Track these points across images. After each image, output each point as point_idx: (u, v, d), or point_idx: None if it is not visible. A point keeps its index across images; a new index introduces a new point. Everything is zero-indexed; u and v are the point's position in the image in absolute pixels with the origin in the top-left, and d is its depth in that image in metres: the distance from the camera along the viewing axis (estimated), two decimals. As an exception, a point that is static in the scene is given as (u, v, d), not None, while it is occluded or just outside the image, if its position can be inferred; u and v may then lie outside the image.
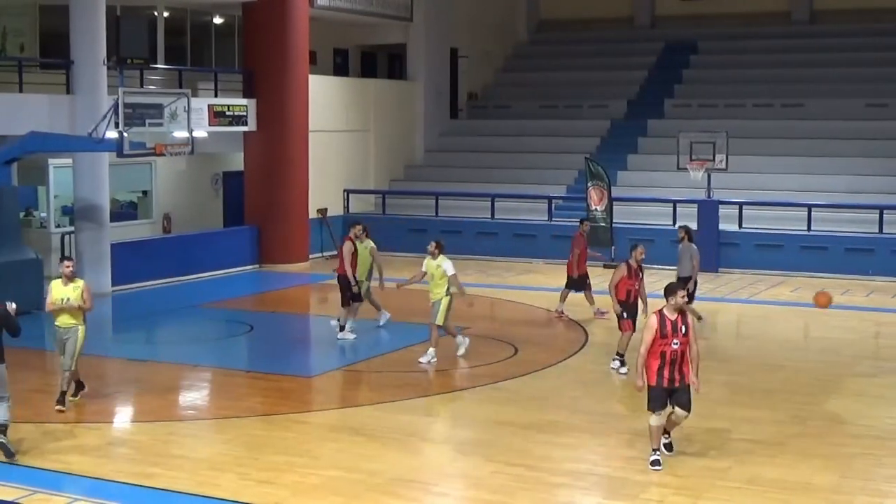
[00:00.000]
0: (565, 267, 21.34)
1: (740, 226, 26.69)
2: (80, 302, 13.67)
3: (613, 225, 26.24)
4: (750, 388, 15.31)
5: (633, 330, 15.88)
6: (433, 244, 16.65)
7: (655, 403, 11.56)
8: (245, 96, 26.96)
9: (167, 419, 13.93)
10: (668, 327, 11.34)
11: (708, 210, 26.35)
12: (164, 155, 22.04)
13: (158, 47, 26.83)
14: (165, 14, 27.46)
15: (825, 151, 29.38)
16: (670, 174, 27.83)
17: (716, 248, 26.10)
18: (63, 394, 13.92)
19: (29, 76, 23.02)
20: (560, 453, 12.34)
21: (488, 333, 19.17)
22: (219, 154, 28.42)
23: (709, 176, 26.39)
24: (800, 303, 22.39)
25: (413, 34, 33.25)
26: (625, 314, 16.11)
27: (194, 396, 15.61)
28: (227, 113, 26.21)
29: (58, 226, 24.87)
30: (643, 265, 16.42)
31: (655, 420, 11.59)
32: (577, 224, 21.98)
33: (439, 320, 16.54)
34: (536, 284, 24.62)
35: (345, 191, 30.40)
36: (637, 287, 16.14)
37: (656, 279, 19.65)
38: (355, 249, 18.27)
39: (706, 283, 23.10)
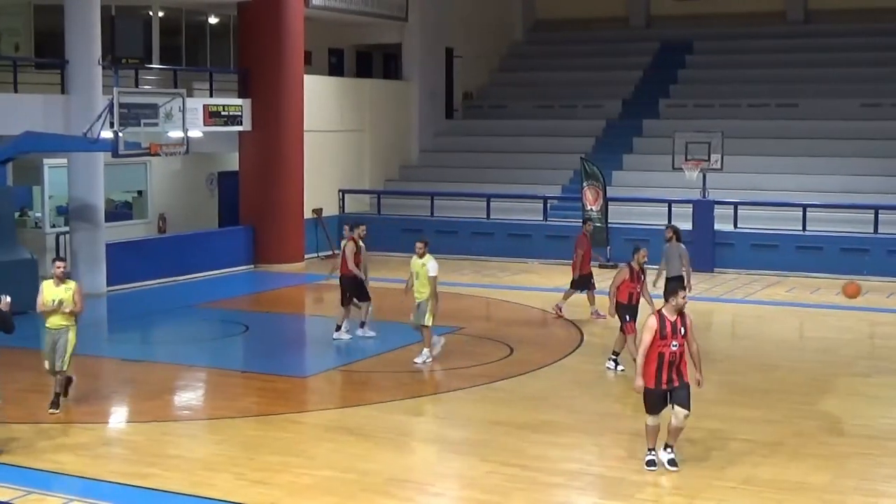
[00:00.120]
0: (568, 267, 21.27)
1: (735, 226, 26.69)
2: (72, 304, 13.60)
3: (609, 225, 26.26)
4: (745, 388, 15.31)
5: (636, 333, 15.77)
6: (420, 243, 16.61)
7: (653, 407, 11.54)
8: (240, 96, 26.94)
9: (162, 419, 13.91)
10: (668, 328, 11.30)
11: (703, 210, 26.35)
12: (159, 155, 22.06)
13: (153, 47, 26.79)
14: (160, 14, 27.43)
15: (820, 151, 29.40)
16: (665, 174, 27.83)
17: (711, 248, 26.11)
18: (57, 396, 13.88)
19: (24, 76, 22.99)
20: (555, 453, 12.33)
21: (483, 333, 19.17)
22: (214, 154, 28.38)
23: (704, 176, 26.39)
24: (795, 303, 22.42)
25: (408, 34, 33.22)
26: (627, 317, 16.04)
27: (189, 397, 15.60)
28: (222, 113, 26.19)
29: (53, 226, 24.83)
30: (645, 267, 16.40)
31: (652, 420, 11.58)
32: (576, 224, 21.96)
33: (427, 321, 16.53)
34: (531, 284, 24.62)
35: (340, 191, 30.38)
36: (639, 290, 16.10)
37: (652, 279, 19.62)
38: (358, 249, 18.20)
39: (701, 283, 23.10)
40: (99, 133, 20.85)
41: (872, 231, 25.69)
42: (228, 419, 13.84)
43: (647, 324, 11.52)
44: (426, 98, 33.65)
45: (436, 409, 14.74)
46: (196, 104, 24.90)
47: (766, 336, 19.59)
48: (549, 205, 28.99)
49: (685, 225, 26.19)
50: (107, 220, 23.59)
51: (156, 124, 21.30)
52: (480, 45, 36.48)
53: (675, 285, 11.78)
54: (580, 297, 20.82)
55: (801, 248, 25.86)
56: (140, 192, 27.73)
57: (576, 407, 14.45)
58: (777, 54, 33.87)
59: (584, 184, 26.51)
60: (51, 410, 13.76)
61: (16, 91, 22.27)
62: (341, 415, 14.19)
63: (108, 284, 23.12)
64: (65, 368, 13.79)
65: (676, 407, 11.48)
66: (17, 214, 23.33)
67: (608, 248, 25.54)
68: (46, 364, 13.79)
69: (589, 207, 26.17)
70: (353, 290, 18.27)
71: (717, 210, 26.43)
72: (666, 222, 26.07)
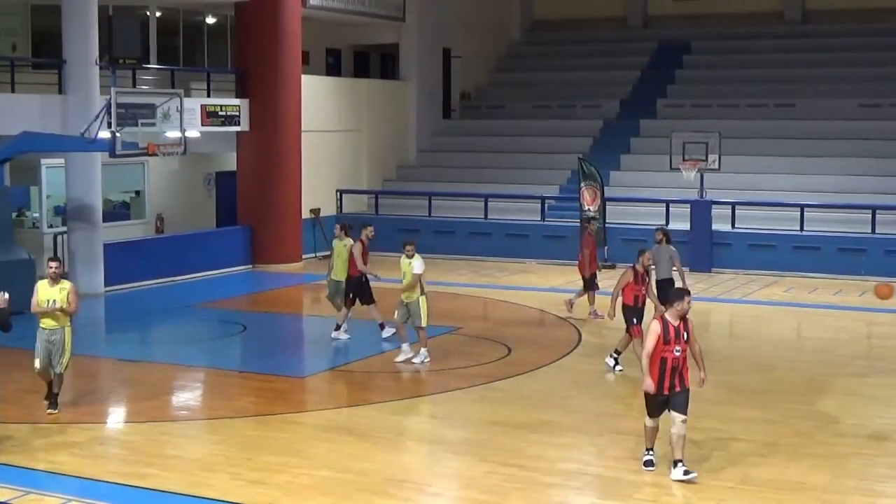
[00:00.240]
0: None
1: (733, 226, 26.71)
2: (66, 304, 13.55)
3: (606, 225, 26.27)
4: (743, 388, 15.31)
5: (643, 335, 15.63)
6: (409, 246, 16.55)
7: (653, 411, 11.51)
8: (238, 96, 26.94)
9: (160, 419, 13.90)
10: (671, 333, 11.25)
11: (701, 210, 26.37)
12: (156, 155, 22.05)
13: (151, 47, 26.74)
14: (158, 14, 27.43)
15: (818, 151, 29.42)
16: (663, 174, 27.84)
17: (709, 249, 26.13)
18: (55, 396, 13.86)
19: (21, 76, 22.97)
20: (553, 453, 12.33)
21: (481, 333, 19.18)
22: (211, 154, 28.38)
23: (701, 176, 26.40)
24: (793, 303, 22.43)
25: (406, 34, 33.22)
26: (635, 320, 16.01)
27: (187, 397, 15.59)
28: (220, 113, 26.18)
29: (50, 226, 24.83)
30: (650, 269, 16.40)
31: (651, 422, 11.56)
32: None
33: (423, 322, 16.52)
34: (529, 284, 24.62)
35: (337, 191, 30.38)
36: (644, 292, 16.09)
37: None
38: (365, 250, 18.11)
39: (699, 283, 23.11)
40: (96, 133, 20.84)
41: (870, 231, 25.71)
42: (226, 419, 13.83)
43: (650, 328, 11.50)
44: (424, 98, 33.65)
45: (434, 409, 14.73)
46: (193, 104, 24.90)
47: (763, 336, 19.60)
48: (546, 205, 28.99)
49: (683, 225, 26.29)
50: (104, 220, 23.58)
51: (153, 124, 21.29)
52: (478, 46, 36.49)
53: (681, 290, 11.69)
54: (581, 297, 20.78)
55: (799, 248, 25.87)
56: (138, 193, 27.73)
57: (574, 407, 14.45)
58: (775, 54, 33.89)
59: (582, 184, 26.53)
60: (49, 411, 13.75)
61: (13, 91, 22.27)
62: (339, 415, 14.18)
63: (106, 284, 23.11)
64: (62, 370, 13.76)
65: (674, 412, 11.35)
66: (14, 214, 23.31)
67: (605, 248, 25.54)
68: (38, 363, 13.66)
69: (587, 207, 26.18)
70: (358, 291, 18.23)
71: (715, 210, 26.44)
72: (664, 222, 26.23)
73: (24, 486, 11.18)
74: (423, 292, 16.48)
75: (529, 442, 12.75)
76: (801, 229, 26.16)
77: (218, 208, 29.04)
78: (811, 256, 25.58)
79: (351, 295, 18.24)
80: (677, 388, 11.33)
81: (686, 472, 11.25)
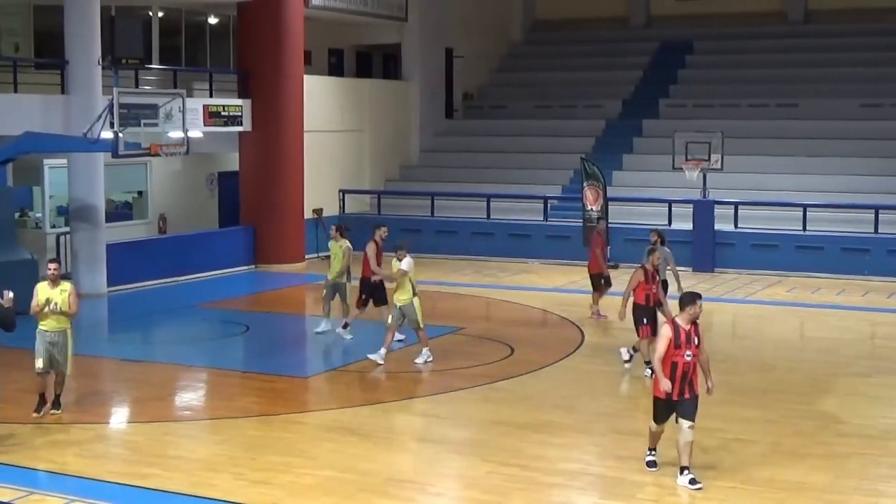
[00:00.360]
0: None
1: (736, 226, 26.68)
2: (66, 306, 13.52)
3: (609, 225, 26.20)
4: (745, 388, 15.30)
5: (652, 336, 15.51)
6: (400, 250, 16.52)
7: (660, 416, 11.43)
8: (240, 96, 26.94)
9: (163, 420, 13.91)
10: (682, 337, 11.17)
11: (703, 210, 26.35)
12: (159, 155, 22.06)
13: (153, 47, 26.80)
14: (160, 14, 27.42)
15: (820, 151, 29.40)
16: (666, 174, 27.83)
17: (711, 248, 26.12)
18: (57, 397, 13.86)
19: (23, 76, 22.98)
20: (555, 453, 12.33)
21: (484, 334, 19.18)
22: (214, 154, 28.39)
23: (704, 176, 26.38)
24: (796, 303, 22.42)
25: (408, 34, 33.23)
26: (645, 320, 15.96)
27: (190, 397, 15.60)
28: (222, 113, 26.19)
29: (53, 226, 24.84)
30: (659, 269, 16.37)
31: (656, 427, 11.51)
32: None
33: (420, 323, 16.52)
34: (532, 285, 24.61)
35: (340, 191, 30.37)
36: (655, 290, 16.04)
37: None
38: (379, 251, 18.00)
39: (702, 283, 23.09)
40: (99, 133, 20.85)
41: (873, 231, 25.68)
42: (229, 419, 13.84)
43: (660, 332, 11.44)
44: (426, 98, 33.66)
45: (436, 410, 14.72)
46: (196, 104, 24.90)
47: (766, 336, 19.59)
48: (549, 205, 28.98)
49: (685, 225, 26.30)
50: (107, 220, 23.60)
51: (156, 125, 21.30)
52: (480, 46, 36.49)
53: (693, 295, 11.57)
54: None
55: (802, 247, 25.85)
56: (140, 193, 27.74)
57: (576, 407, 14.45)
58: (777, 54, 33.87)
59: (585, 184, 26.48)
60: (52, 411, 13.75)
61: (15, 91, 22.27)
62: (342, 415, 14.18)
63: (109, 285, 23.13)
64: (67, 371, 13.77)
65: (681, 419, 11.24)
66: (17, 215, 23.33)
67: (608, 248, 25.47)
68: (39, 363, 13.61)
69: (589, 207, 26.13)
70: (371, 292, 18.20)
71: (718, 210, 26.42)
72: (666, 222, 26.24)
73: (26, 486, 11.18)
74: (415, 293, 16.47)
75: (532, 442, 12.75)
76: (804, 229, 26.14)
77: (220, 208, 29.06)
78: (814, 256, 25.57)
79: (364, 296, 18.21)
80: (686, 395, 11.22)
81: (692, 482, 11.12)
